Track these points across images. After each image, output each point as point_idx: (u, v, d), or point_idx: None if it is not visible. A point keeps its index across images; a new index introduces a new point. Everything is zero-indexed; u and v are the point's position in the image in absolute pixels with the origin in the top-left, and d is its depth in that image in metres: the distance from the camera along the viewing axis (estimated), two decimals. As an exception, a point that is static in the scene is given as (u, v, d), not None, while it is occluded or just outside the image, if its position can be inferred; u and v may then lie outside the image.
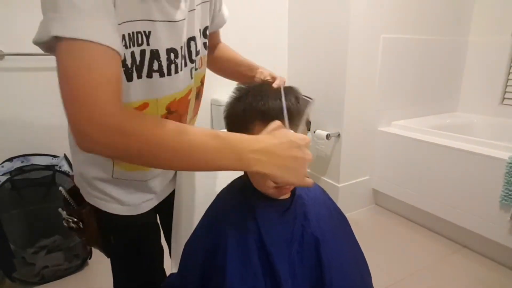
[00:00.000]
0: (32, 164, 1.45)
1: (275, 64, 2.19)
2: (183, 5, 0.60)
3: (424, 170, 1.78)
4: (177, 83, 0.63)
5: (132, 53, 0.54)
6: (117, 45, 0.46)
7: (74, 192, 0.73)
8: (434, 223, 1.81)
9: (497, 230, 1.48)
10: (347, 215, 0.70)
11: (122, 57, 0.49)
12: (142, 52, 0.55)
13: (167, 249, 0.91)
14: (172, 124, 0.47)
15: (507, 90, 2.07)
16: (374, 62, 1.87)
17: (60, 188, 0.75)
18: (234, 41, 2.09)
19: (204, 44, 0.71)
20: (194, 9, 0.65)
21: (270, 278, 0.58)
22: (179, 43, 0.61)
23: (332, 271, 0.60)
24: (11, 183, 1.34)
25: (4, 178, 1.33)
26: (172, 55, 0.60)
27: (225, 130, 0.63)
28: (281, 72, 2.22)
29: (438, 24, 2.06)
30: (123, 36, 0.52)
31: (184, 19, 0.61)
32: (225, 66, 0.87)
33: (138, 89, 0.58)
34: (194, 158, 0.47)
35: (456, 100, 2.34)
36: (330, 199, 0.71)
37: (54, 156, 1.57)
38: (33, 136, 1.58)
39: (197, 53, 0.67)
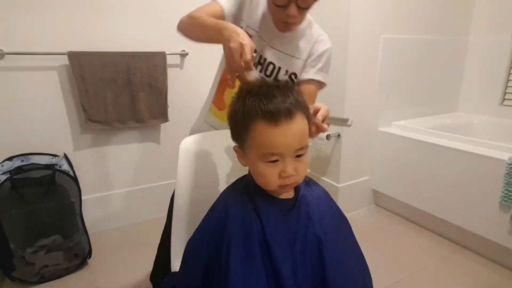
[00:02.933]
0: (32, 163, 1.45)
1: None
2: (274, 41, 0.96)
3: (424, 171, 1.78)
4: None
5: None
6: (227, 7, 0.92)
7: None
8: (434, 224, 1.81)
9: (497, 231, 1.48)
10: (347, 215, 0.71)
11: (226, 13, 0.92)
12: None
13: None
14: (206, 18, 0.85)
15: (507, 90, 2.07)
16: (374, 62, 1.87)
17: None
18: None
19: (287, 81, 1.01)
20: (282, 52, 0.98)
21: (273, 276, 0.58)
22: (258, 50, 0.97)
23: (334, 271, 0.60)
24: (11, 182, 1.34)
25: (4, 177, 1.33)
26: (257, 57, 0.98)
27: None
28: (281, 72, 2.22)
29: (439, 24, 2.06)
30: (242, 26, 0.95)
31: (266, 44, 0.97)
32: None
33: None
34: (206, 32, 0.84)
35: (456, 101, 2.34)
36: (332, 200, 0.72)
37: (54, 155, 1.57)
38: (33, 135, 1.58)
39: (271, 74, 0.99)
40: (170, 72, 1.79)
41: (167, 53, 1.75)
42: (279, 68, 0.99)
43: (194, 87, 1.91)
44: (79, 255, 1.50)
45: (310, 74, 0.99)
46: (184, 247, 0.69)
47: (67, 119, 1.64)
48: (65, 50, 1.53)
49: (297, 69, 1.00)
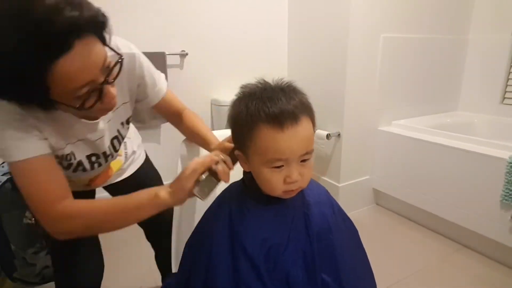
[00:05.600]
0: (33, 164, 1.45)
1: (274, 63, 2.19)
2: (101, 125, 0.76)
3: (424, 170, 1.78)
4: (97, 171, 0.86)
5: (62, 164, 0.74)
6: (43, 151, 0.63)
7: None
8: (434, 223, 1.81)
9: (498, 230, 1.48)
10: (347, 214, 0.70)
11: (53, 153, 0.66)
12: (69, 164, 0.76)
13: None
14: (104, 203, 0.64)
15: (507, 89, 2.07)
16: (374, 61, 1.87)
17: None
18: (235, 40, 2.08)
19: (127, 128, 0.90)
20: (109, 121, 0.80)
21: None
22: (101, 150, 0.81)
23: (340, 259, 0.61)
24: (12, 183, 1.34)
25: (4, 178, 1.33)
26: (93, 158, 0.80)
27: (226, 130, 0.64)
28: (281, 71, 2.22)
29: (438, 23, 2.05)
30: (57, 156, 0.70)
31: (102, 136, 0.79)
32: (186, 134, 0.96)
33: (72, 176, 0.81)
34: (128, 218, 0.65)
35: (456, 99, 2.33)
36: (334, 200, 0.71)
37: (55, 156, 1.57)
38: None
39: (120, 143, 0.88)
40: (170, 72, 1.79)
41: (167, 53, 1.75)
42: (118, 131, 0.85)
43: (194, 87, 1.91)
44: (80, 256, 1.50)
45: (158, 93, 0.88)
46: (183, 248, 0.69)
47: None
48: (65, 51, 1.53)
49: (129, 110, 0.86)
